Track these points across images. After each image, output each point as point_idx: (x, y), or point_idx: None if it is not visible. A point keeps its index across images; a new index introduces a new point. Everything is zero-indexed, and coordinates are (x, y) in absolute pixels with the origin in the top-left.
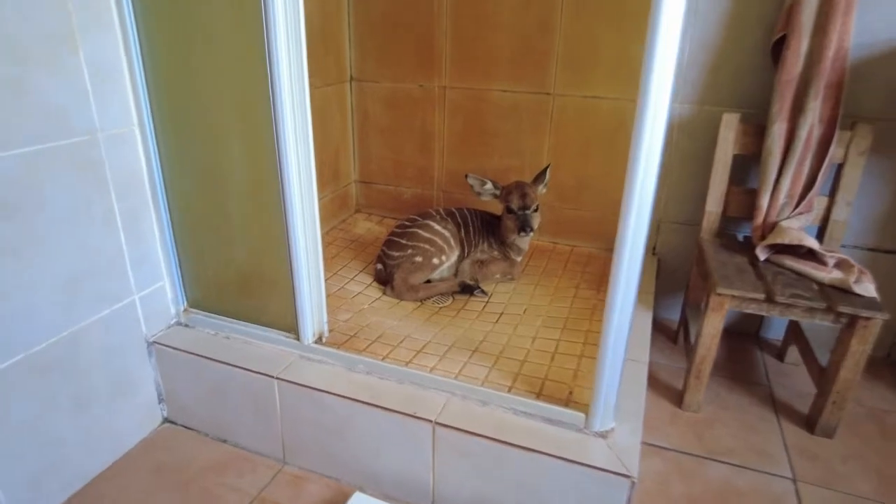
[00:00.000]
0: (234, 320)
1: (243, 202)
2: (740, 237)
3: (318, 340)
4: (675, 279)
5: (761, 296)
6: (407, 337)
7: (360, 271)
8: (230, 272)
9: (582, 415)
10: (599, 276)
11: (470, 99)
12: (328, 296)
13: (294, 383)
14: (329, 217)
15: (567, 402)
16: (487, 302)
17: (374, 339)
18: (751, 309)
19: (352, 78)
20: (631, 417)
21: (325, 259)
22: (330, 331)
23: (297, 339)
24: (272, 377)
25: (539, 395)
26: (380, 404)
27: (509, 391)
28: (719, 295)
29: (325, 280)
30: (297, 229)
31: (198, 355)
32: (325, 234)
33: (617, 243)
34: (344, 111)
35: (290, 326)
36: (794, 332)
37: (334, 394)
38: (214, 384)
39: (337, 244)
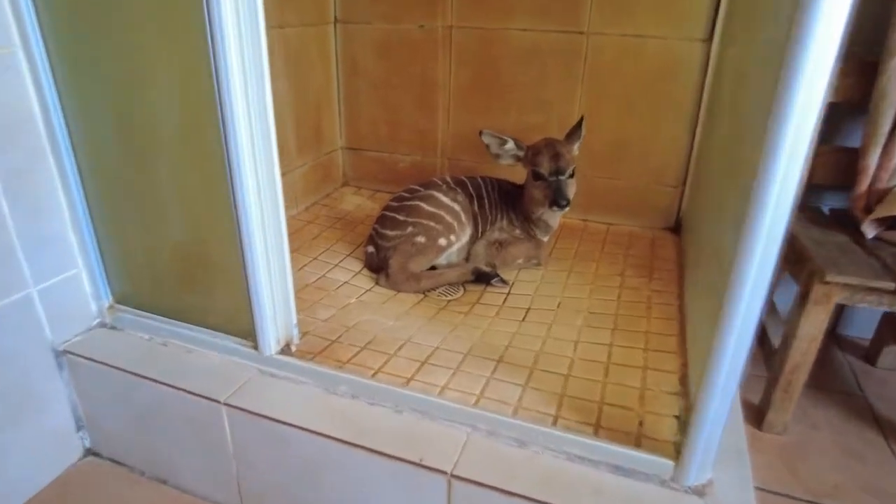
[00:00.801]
0: (175, 321)
1: (176, 157)
2: (825, 209)
3: (285, 349)
4: None
5: (890, 285)
6: (407, 342)
7: (347, 255)
8: (166, 256)
9: (668, 461)
10: (649, 261)
11: (482, 41)
12: (304, 287)
13: (248, 412)
14: (310, 190)
15: (639, 440)
16: (508, 294)
17: (363, 346)
18: (868, 302)
19: (336, 19)
20: (732, 459)
21: (305, 241)
22: (303, 334)
23: (255, 347)
24: (218, 402)
25: (597, 429)
26: (370, 445)
27: (554, 423)
28: (826, 283)
29: (302, 268)
30: (247, 197)
31: (122, 370)
32: (305, 211)
33: (743, 233)
34: (327, 60)
35: (245, 330)
36: (892, 329)
37: (304, 428)
38: (147, 408)
39: (319, 223)
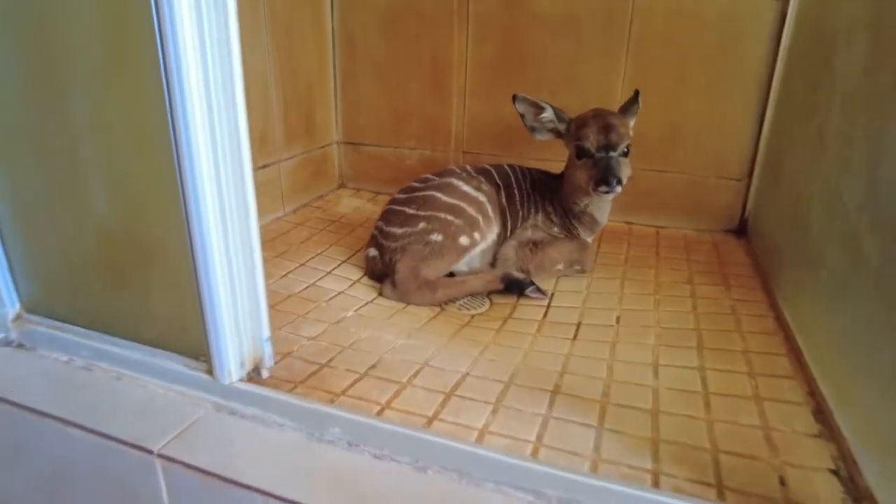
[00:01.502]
0: (102, 335)
1: (98, 99)
2: None
3: (253, 375)
4: None
5: None
6: (424, 366)
7: (343, 261)
8: (90, 243)
9: None
10: (718, 267)
11: (505, 9)
12: (287, 297)
13: (193, 467)
14: (299, 189)
15: None
16: (548, 307)
17: (364, 372)
18: None
19: None
20: None
21: (292, 244)
22: (283, 356)
23: (210, 371)
24: (150, 453)
25: (721, 490)
26: None
27: (656, 483)
28: None
29: (286, 274)
30: (198, 159)
31: (25, 408)
32: (293, 213)
33: None
34: (322, 37)
35: (196, 347)
36: None
37: (278, 497)
38: (57, 464)
39: (310, 225)
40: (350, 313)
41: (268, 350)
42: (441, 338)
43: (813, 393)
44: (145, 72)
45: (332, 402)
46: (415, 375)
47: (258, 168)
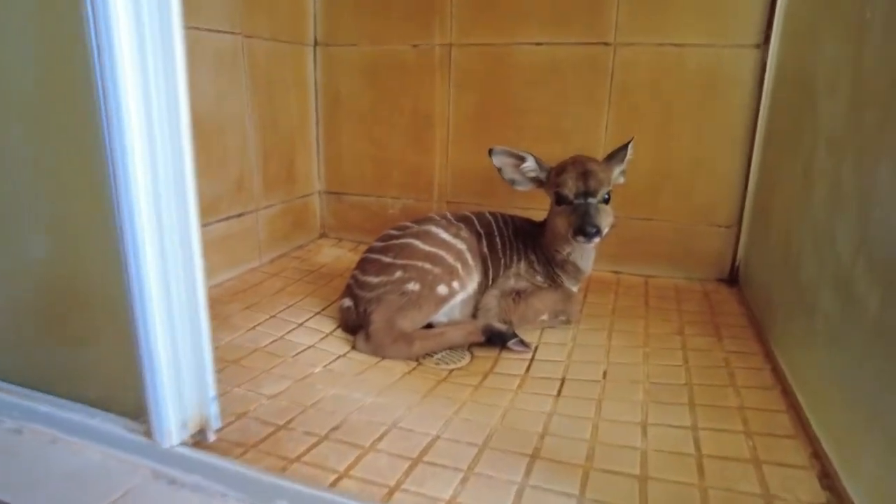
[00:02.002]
0: (35, 392)
1: (33, 131)
2: None
3: (198, 438)
4: None
5: None
6: (392, 428)
7: (317, 313)
8: (23, 294)
9: None
10: (710, 317)
11: (488, 60)
12: (252, 352)
13: None
14: (277, 239)
15: None
16: (532, 360)
17: (325, 435)
18: None
19: (317, 42)
20: None
21: (264, 295)
22: (238, 416)
23: (148, 434)
24: None
25: None
26: None
27: None
28: None
29: (254, 327)
30: (136, 201)
31: None
32: (270, 263)
33: None
34: (304, 87)
35: (133, 406)
36: None
37: None
38: None
39: (285, 275)
40: (318, 369)
41: (214, 410)
42: (414, 395)
43: (817, 454)
44: (85, 116)
45: (283, 469)
46: (380, 439)
47: (234, 217)
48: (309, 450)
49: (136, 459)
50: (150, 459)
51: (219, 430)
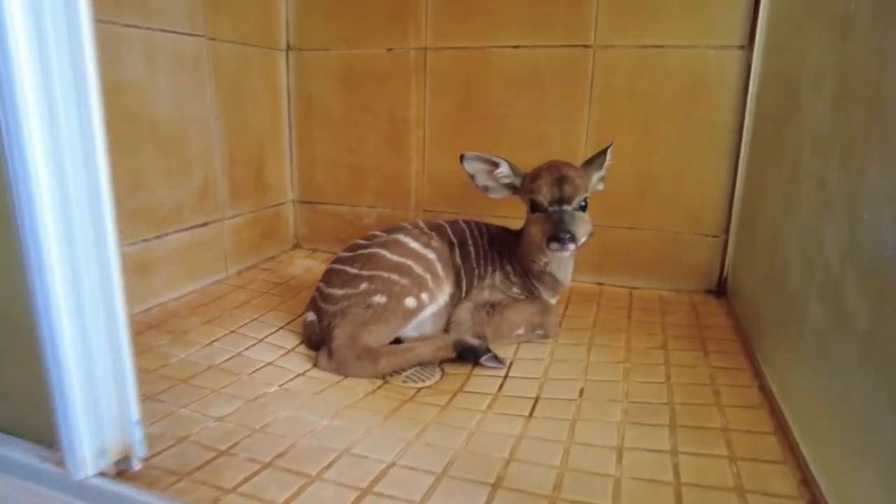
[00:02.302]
0: None
1: None
2: None
3: (122, 467)
4: None
5: None
6: (344, 454)
7: (281, 327)
8: None
9: None
10: (696, 331)
11: (464, 64)
12: (205, 369)
13: None
14: (245, 249)
15: None
16: (506, 377)
17: (268, 462)
18: None
19: (289, 46)
20: None
21: (225, 309)
22: (178, 440)
23: (61, 463)
24: None
25: None
26: None
27: None
28: None
29: (211, 343)
30: (41, 226)
31: None
32: (238, 275)
33: None
34: (275, 93)
35: (43, 431)
36: None
37: None
38: None
39: (252, 288)
40: (274, 388)
41: (138, 436)
42: (375, 417)
43: (806, 482)
44: None
45: (215, 501)
46: (329, 466)
47: (197, 226)
48: (248, 479)
49: (47, 492)
50: (62, 492)
51: (151, 457)
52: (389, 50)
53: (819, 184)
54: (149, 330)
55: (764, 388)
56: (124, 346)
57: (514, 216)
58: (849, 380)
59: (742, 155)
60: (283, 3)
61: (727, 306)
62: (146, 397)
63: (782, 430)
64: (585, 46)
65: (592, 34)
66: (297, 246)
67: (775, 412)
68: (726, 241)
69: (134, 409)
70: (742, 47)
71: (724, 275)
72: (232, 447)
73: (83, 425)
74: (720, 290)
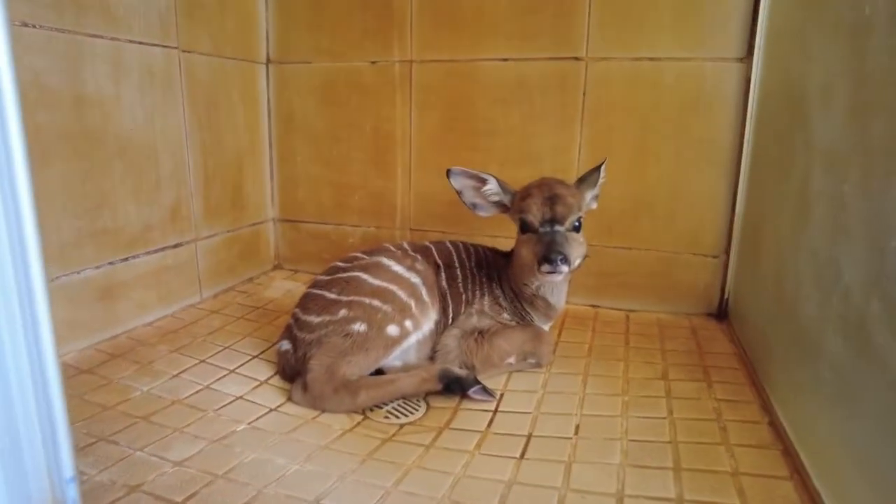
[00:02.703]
0: None
1: None
2: None
3: None
4: None
5: None
6: None
7: (255, 356)
8: None
9: None
10: (697, 358)
11: (451, 77)
12: (168, 405)
13: None
14: (223, 271)
15: None
16: (496, 412)
17: None
18: None
19: (269, 59)
20: None
21: (197, 336)
22: (130, 489)
23: None
24: None
25: None
26: None
27: None
28: None
29: (178, 374)
30: None
31: None
32: (213, 298)
33: None
34: (254, 107)
35: None
36: None
37: None
38: None
39: (227, 312)
40: (242, 426)
41: (73, 494)
42: (351, 460)
43: None
44: None
45: None
46: None
47: (168, 247)
48: None
49: None
50: None
51: None
52: (373, 63)
53: (834, 205)
54: (112, 360)
55: (774, 425)
56: (55, 395)
57: (506, 236)
58: (876, 423)
59: (743, 172)
60: (262, 14)
61: (729, 331)
62: (99, 439)
63: (798, 474)
64: (577, 59)
65: (584, 46)
66: (277, 267)
67: (789, 453)
68: (727, 262)
69: (67, 463)
70: (740, 60)
71: (726, 297)
72: (188, 498)
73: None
74: (721, 313)
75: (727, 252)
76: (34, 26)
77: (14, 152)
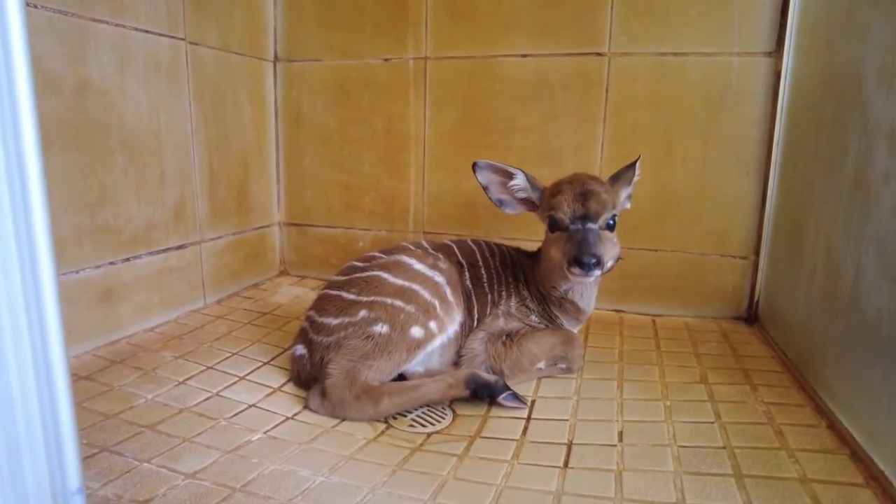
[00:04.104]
0: None
1: None
2: None
3: None
4: None
5: None
6: None
7: (265, 363)
8: None
9: None
10: (734, 361)
11: (468, 74)
12: (177, 413)
13: None
14: (227, 276)
15: None
16: (529, 419)
17: None
18: None
19: (277, 57)
20: None
21: (203, 342)
22: (144, 503)
23: None
24: None
25: None
26: None
27: None
28: None
29: (185, 381)
30: None
31: None
32: (218, 304)
33: None
34: (261, 106)
35: None
36: None
37: None
38: None
39: (233, 318)
40: (258, 435)
41: None
42: (380, 471)
43: None
44: None
45: None
46: None
47: (172, 248)
48: None
49: None
50: None
51: None
52: (386, 60)
53: None
54: (113, 366)
55: (835, 428)
56: (62, 401)
57: (525, 238)
58: None
59: (773, 169)
60: (271, 11)
61: (762, 334)
62: (102, 449)
63: (877, 481)
64: (599, 54)
65: (607, 41)
66: (283, 272)
67: (860, 459)
68: (756, 263)
69: (73, 474)
70: (769, 54)
71: (756, 299)
72: None
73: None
74: (750, 316)
75: (756, 253)
76: (35, 6)
77: (26, 146)
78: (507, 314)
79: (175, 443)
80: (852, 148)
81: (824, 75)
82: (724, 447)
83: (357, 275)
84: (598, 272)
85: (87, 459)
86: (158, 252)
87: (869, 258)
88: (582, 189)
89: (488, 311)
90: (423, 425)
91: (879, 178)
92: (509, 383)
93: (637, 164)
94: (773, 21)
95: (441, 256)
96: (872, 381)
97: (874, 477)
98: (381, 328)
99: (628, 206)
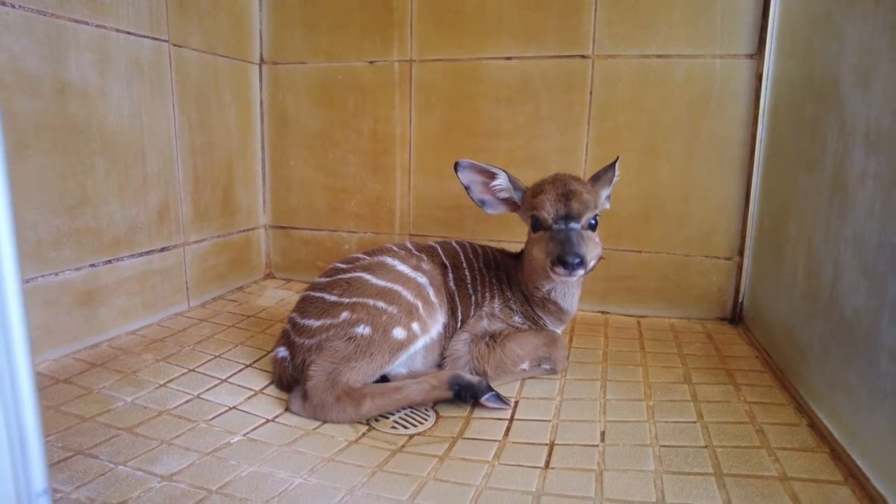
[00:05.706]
0: None
1: None
2: None
3: None
4: None
5: None
6: None
7: (248, 365)
8: None
9: None
10: (718, 361)
11: (453, 77)
12: (155, 415)
13: None
14: (211, 279)
15: None
16: (512, 419)
17: None
18: None
19: (262, 59)
20: None
21: (186, 344)
22: None
23: None
24: None
25: None
26: None
27: None
28: None
29: (165, 383)
30: None
31: None
32: (202, 307)
33: None
34: (246, 109)
35: None
36: None
37: None
38: None
39: (217, 320)
40: (237, 438)
41: None
42: (360, 472)
43: None
44: None
45: None
46: None
47: (155, 251)
48: None
49: None
50: None
51: None
52: (372, 63)
53: (884, 186)
54: (92, 369)
55: (815, 427)
56: (27, 402)
57: (511, 240)
58: None
59: (756, 169)
60: (256, 13)
61: (746, 334)
62: (75, 452)
63: (855, 478)
64: (583, 57)
65: (591, 43)
66: (269, 275)
67: (839, 457)
68: (740, 264)
69: (38, 475)
70: (751, 56)
71: (740, 300)
72: None
73: None
74: (735, 316)
75: (741, 254)
76: (12, 6)
77: None
78: (491, 315)
79: (152, 445)
80: (831, 148)
81: (804, 77)
82: (705, 446)
83: (339, 276)
84: (581, 272)
85: (60, 463)
86: (141, 255)
87: (847, 258)
88: (564, 189)
89: (472, 313)
90: (406, 427)
91: (857, 178)
92: (493, 384)
93: (616, 164)
94: (754, 23)
95: (424, 258)
96: (851, 379)
97: (853, 474)
98: (363, 329)
99: (608, 206)
